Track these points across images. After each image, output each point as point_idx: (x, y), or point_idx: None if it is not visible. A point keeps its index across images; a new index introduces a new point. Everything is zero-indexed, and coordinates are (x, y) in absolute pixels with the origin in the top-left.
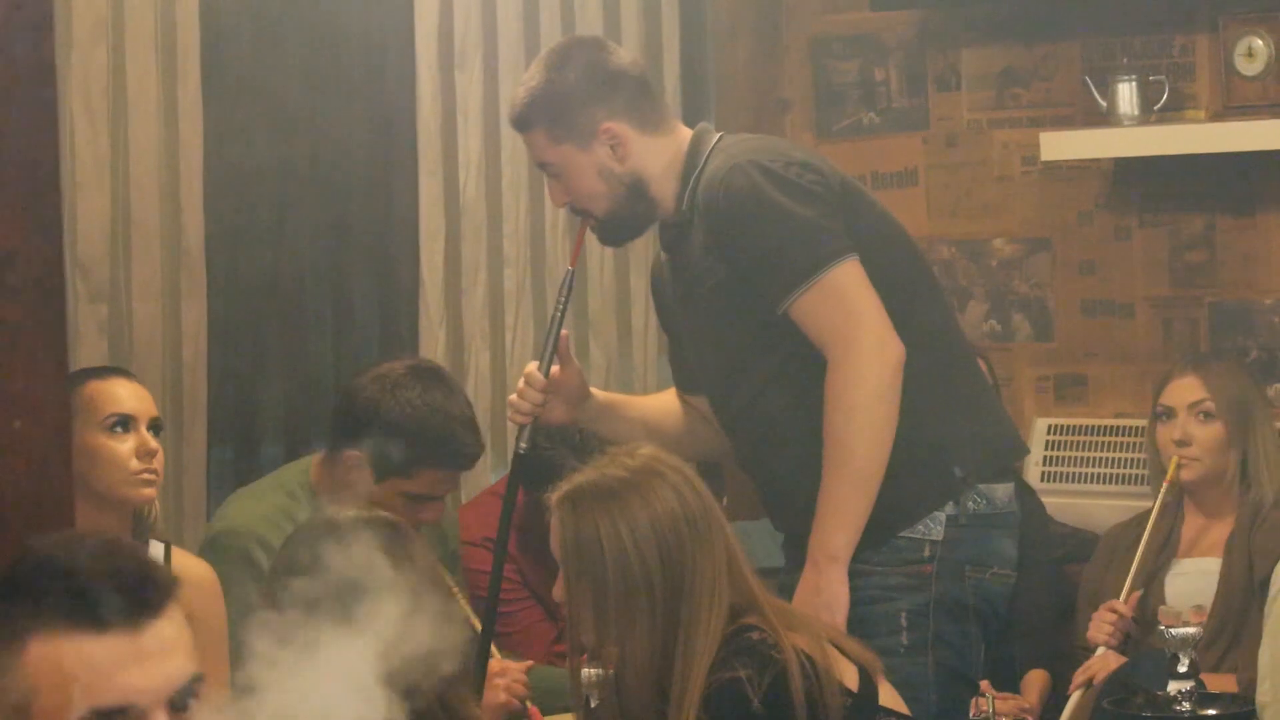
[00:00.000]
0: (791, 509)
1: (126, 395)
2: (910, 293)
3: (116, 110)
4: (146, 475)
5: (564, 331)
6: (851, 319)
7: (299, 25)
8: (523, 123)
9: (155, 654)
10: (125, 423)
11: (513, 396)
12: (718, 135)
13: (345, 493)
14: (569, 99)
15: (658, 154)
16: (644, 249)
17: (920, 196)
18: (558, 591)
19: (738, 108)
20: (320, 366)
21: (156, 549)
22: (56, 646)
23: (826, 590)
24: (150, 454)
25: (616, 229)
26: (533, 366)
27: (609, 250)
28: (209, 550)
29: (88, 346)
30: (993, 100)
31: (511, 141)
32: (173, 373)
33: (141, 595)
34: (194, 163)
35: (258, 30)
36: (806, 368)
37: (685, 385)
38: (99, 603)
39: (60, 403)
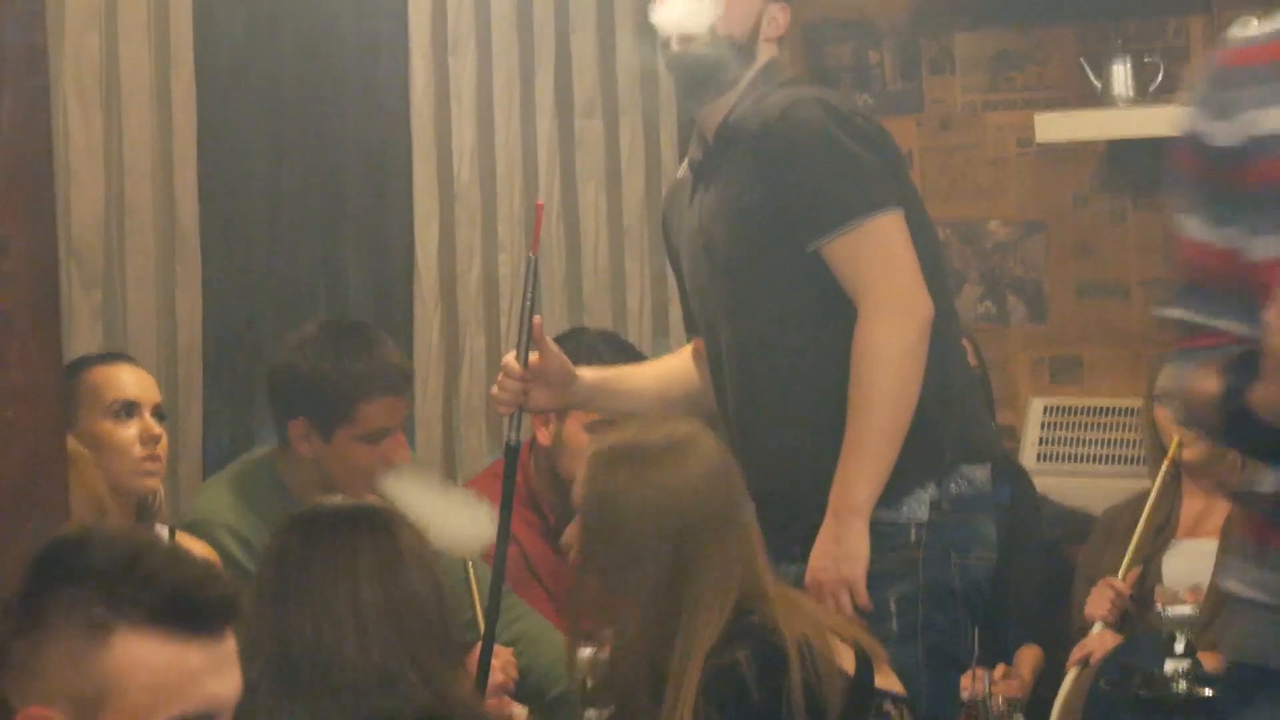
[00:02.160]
0: (772, 464)
1: (130, 381)
2: (928, 268)
3: (110, 96)
4: (150, 465)
5: (536, 318)
6: (892, 269)
7: (292, 9)
8: None
9: (230, 664)
10: (129, 408)
11: (494, 389)
12: (785, 74)
13: (306, 468)
14: None
15: (761, 54)
16: (639, 227)
17: (915, 179)
18: (568, 535)
19: None
20: None
21: (161, 533)
22: (146, 646)
23: (846, 541)
24: (154, 439)
25: (706, 67)
26: (510, 356)
27: (603, 233)
28: None
29: (82, 333)
30: (987, 83)
31: (506, 126)
32: (168, 359)
33: (225, 604)
34: (188, 148)
35: (251, 15)
36: (820, 314)
37: (695, 328)
38: (192, 608)
39: (54, 392)
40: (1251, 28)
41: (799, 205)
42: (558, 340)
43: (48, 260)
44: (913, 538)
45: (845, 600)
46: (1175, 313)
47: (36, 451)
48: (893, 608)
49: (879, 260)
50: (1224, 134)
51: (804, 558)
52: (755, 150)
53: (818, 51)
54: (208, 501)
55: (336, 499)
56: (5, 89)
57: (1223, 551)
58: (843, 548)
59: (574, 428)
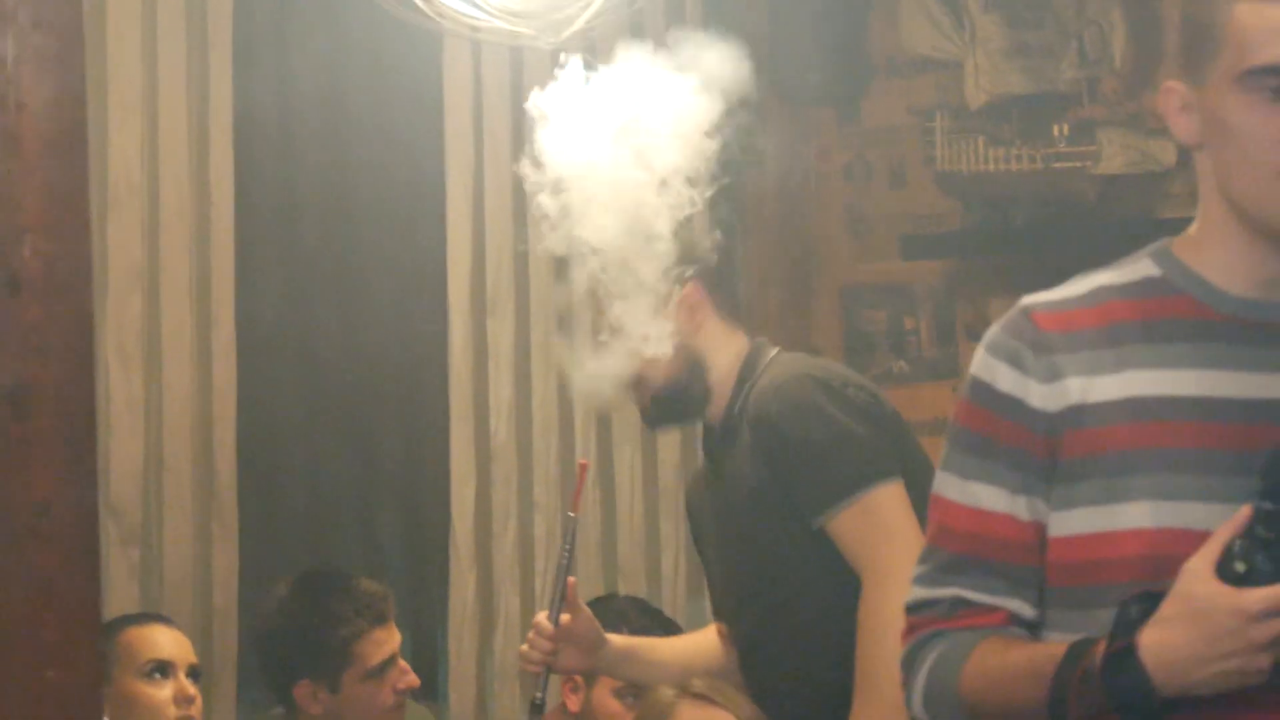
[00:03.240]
0: None
1: (166, 642)
2: None
3: (150, 356)
4: None
5: (570, 579)
6: (891, 541)
7: (331, 269)
8: None
9: None
10: (164, 669)
11: (523, 646)
12: (775, 350)
13: None
14: None
15: (724, 346)
16: (674, 490)
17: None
18: None
19: None
20: None
21: None
22: None
23: None
24: (188, 701)
25: (666, 406)
26: (542, 616)
27: (638, 495)
28: None
29: (119, 590)
30: None
31: (542, 386)
32: (203, 617)
33: None
34: (227, 408)
35: (291, 276)
36: (835, 587)
37: (720, 614)
38: None
39: (93, 653)
40: (1060, 291)
41: (800, 484)
42: (590, 604)
43: (88, 520)
44: None
45: None
46: (946, 592)
47: (75, 713)
48: None
49: (879, 532)
50: (1042, 398)
51: None
52: (755, 435)
53: (854, 316)
54: None
55: None
56: (51, 354)
57: None
58: None
59: (603, 694)
